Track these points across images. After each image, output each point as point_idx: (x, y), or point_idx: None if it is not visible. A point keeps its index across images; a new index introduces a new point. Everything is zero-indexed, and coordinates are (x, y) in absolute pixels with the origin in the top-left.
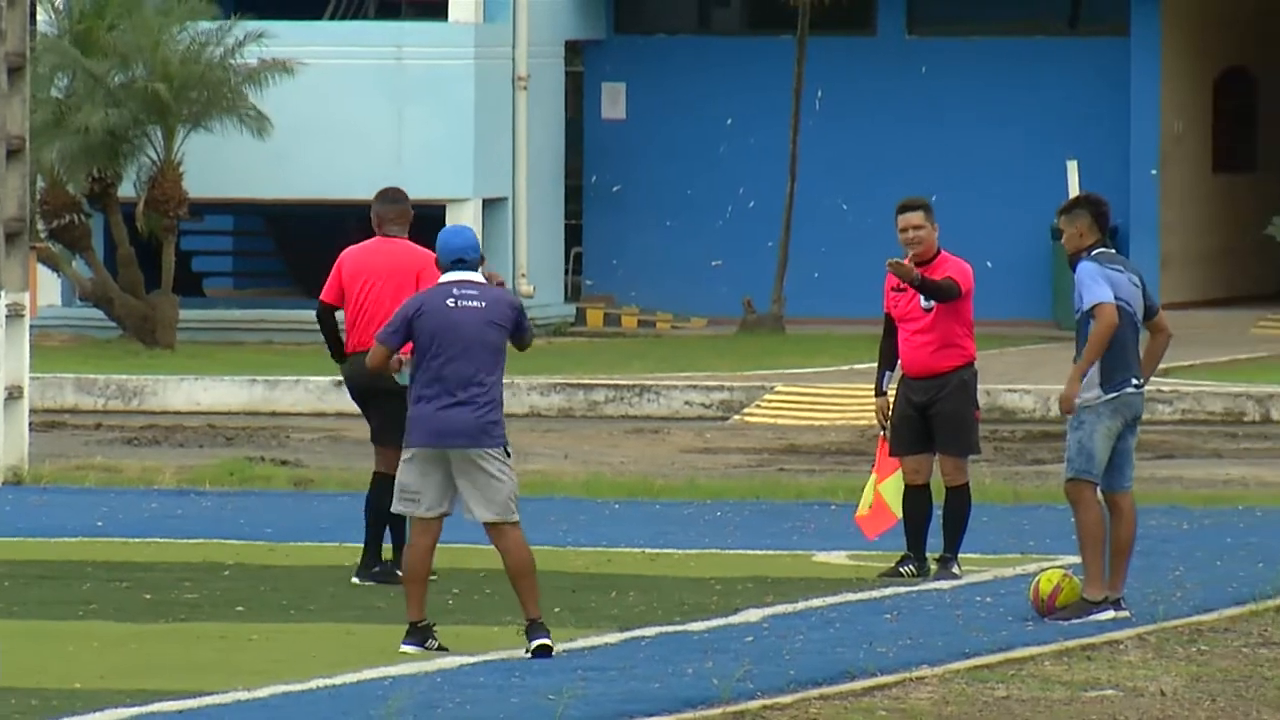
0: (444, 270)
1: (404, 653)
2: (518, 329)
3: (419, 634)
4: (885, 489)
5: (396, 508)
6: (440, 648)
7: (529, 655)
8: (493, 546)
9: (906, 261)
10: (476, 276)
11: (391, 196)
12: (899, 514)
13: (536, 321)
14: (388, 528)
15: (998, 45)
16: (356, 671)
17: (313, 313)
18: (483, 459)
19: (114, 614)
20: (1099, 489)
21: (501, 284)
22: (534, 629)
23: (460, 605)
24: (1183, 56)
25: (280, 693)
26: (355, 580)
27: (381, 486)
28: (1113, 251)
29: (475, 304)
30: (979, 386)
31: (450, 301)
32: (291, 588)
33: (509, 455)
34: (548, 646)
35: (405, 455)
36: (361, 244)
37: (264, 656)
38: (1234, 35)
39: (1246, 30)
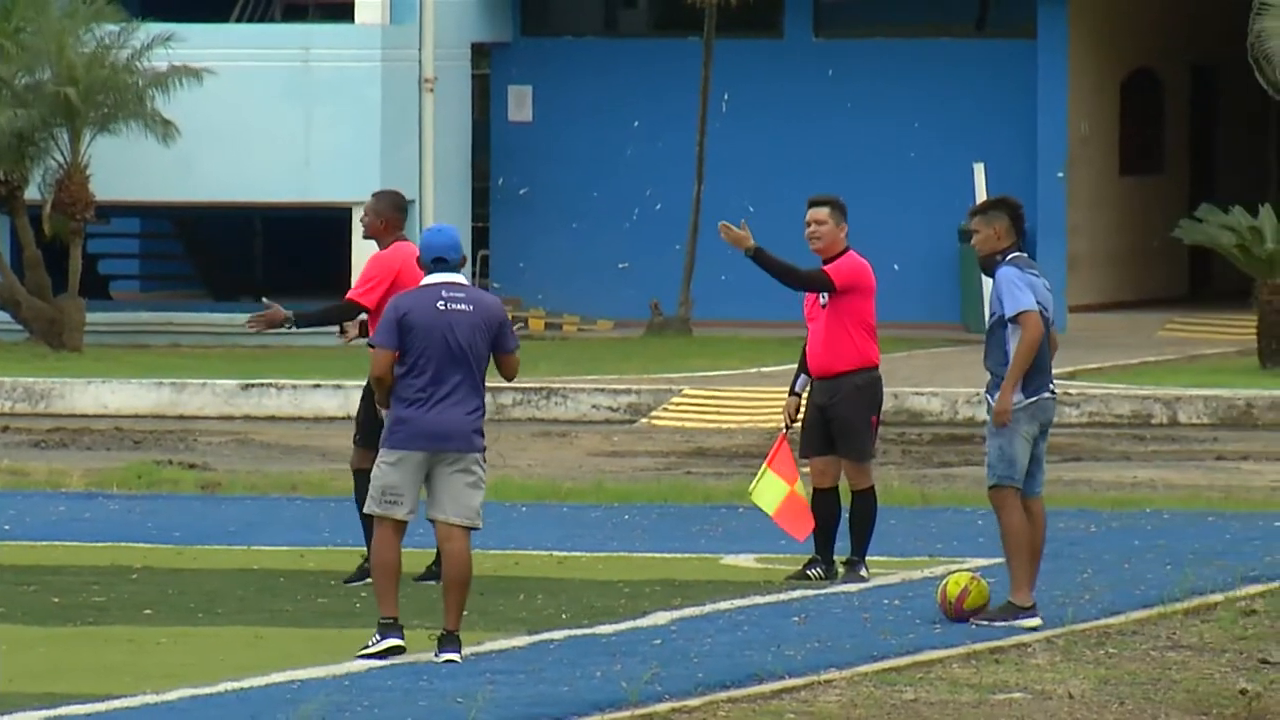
0: (425, 269)
1: (392, 646)
2: (502, 334)
3: (397, 629)
4: (760, 491)
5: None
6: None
7: (437, 661)
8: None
9: (740, 227)
10: (461, 278)
11: (403, 202)
12: (770, 511)
13: None
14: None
15: (905, 47)
16: (265, 675)
17: (220, 316)
18: (470, 463)
19: (22, 617)
20: (1017, 492)
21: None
22: (448, 641)
23: (368, 608)
24: (1089, 59)
25: (189, 696)
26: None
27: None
28: (1027, 257)
29: (464, 307)
30: (885, 390)
31: (440, 305)
32: (199, 591)
33: (485, 461)
34: (455, 664)
35: (391, 458)
36: (396, 250)
37: (172, 660)
38: (1140, 38)
39: (1152, 33)
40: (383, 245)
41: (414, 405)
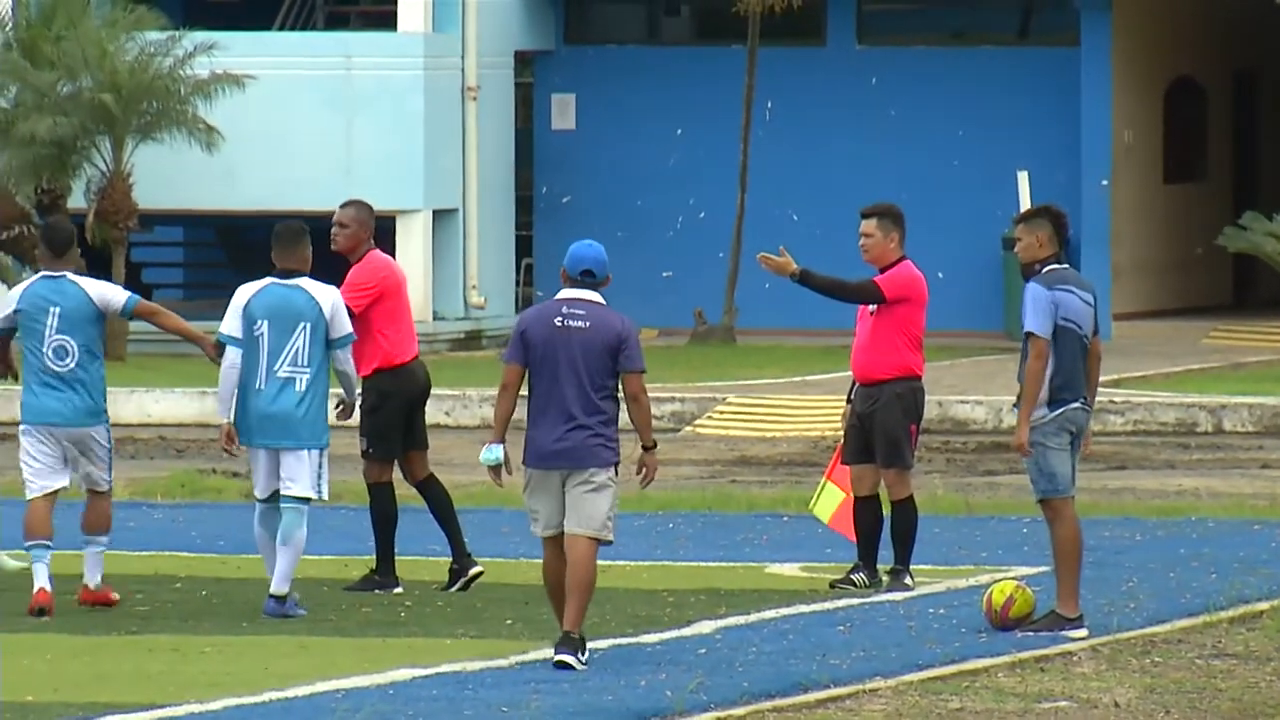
0: (571, 282)
1: (561, 661)
2: (623, 353)
3: (571, 644)
4: (821, 505)
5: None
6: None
7: (553, 664)
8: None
9: (779, 255)
10: (591, 295)
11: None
12: (825, 520)
13: (486, 333)
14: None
15: (948, 55)
16: (309, 684)
17: None
18: (591, 475)
19: (66, 626)
20: (1070, 501)
21: None
22: (564, 642)
23: (412, 617)
24: (1133, 67)
25: (233, 705)
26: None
27: (390, 495)
28: (1066, 268)
29: (581, 324)
30: (929, 398)
31: (558, 321)
32: (243, 600)
33: (616, 474)
34: (567, 665)
35: (525, 477)
36: (384, 261)
37: (216, 669)
38: (1182, 46)
39: (1195, 41)
40: (356, 257)
41: (534, 423)
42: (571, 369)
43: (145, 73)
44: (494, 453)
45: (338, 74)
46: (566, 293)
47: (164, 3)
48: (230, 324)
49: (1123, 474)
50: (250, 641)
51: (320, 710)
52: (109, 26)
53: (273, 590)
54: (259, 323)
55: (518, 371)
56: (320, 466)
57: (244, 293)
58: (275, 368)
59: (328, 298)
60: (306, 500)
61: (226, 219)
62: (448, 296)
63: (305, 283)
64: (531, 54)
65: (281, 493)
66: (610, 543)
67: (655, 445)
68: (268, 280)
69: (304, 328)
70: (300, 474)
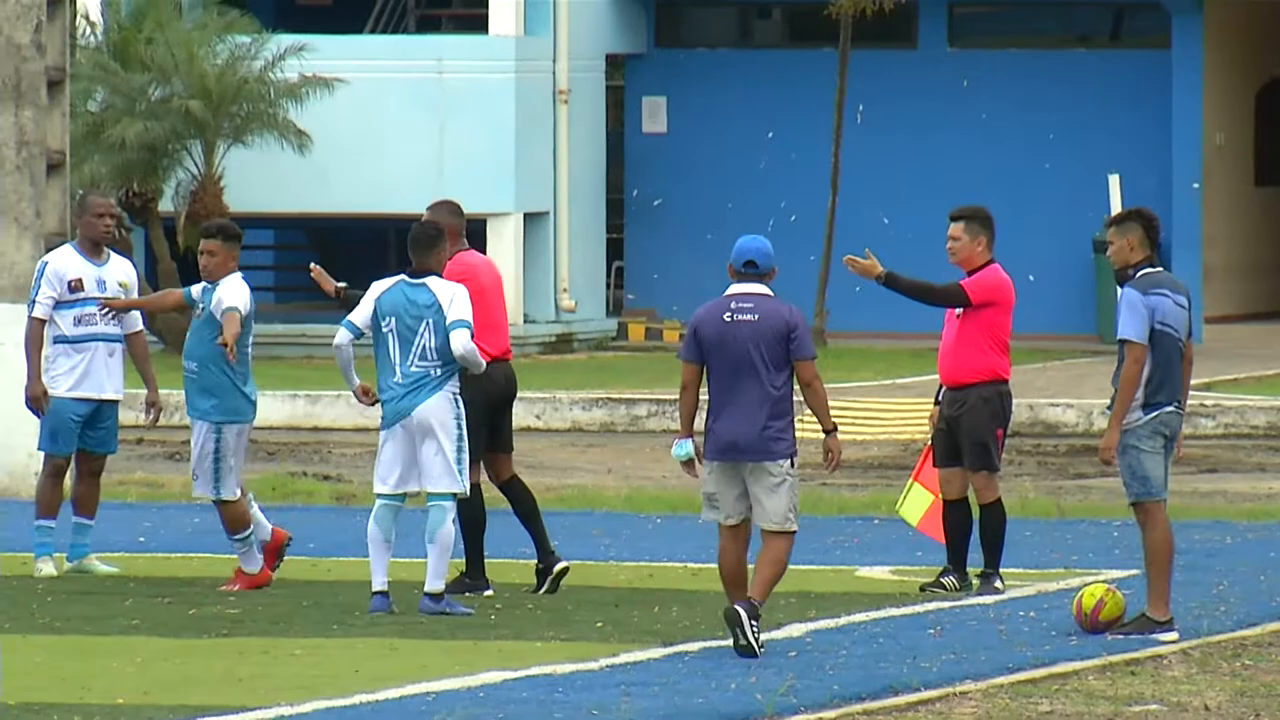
0: (736, 275)
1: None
2: (794, 341)
3: (753, 610)
4: (908, 507)
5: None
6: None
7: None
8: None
9: (866, 258)
10: (758, 288)
11: (461, 210)
12: (913, 522)
13: (577, 336)
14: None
15: (1039, 58)
16: (399, 687)
17: None
18: (768, 471)
19: (157, 629)
20: (1162, 504)
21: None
22: (748, 604)
23: (502, 620)
24: (1224, 69)
25: (323, 708)
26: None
27: (477, 497)
28: (1159, 271)
29: (749, 317)
30: (1019, 401)
31: (727, 316)
32: (334, 603)
33: (794, 465)
34: (739, 619)
35: (706, 467)
36: (468, 264)
37: (307, 671)
38: (1274, 49)
39: None
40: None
41: (711, 416)
42: (747, 362)
43: (235, 76)
44: (684, 448)
45: (429, 77)
46: (734, 288)
47: (255, 6)
48: (357, 312)
49: (1214, 477)
50: (340, 644)
51: (410, 713)
52: (199, 30)
53: (427, 589)
54: (386, 319)
55: (695, 369)
56: (459, 462)
57: (376, 288)
58: (407, 364)
59: (448, 292)
60: (450, 496)
61: (318, 222)
62: (538, 300)
63: (431, 281)
64: (622, 57)
65: (425, 490)
66: (794, 532)
67: (836, 429)
68: (399, 278)
69: (427, 324)
70: (437, 469)
